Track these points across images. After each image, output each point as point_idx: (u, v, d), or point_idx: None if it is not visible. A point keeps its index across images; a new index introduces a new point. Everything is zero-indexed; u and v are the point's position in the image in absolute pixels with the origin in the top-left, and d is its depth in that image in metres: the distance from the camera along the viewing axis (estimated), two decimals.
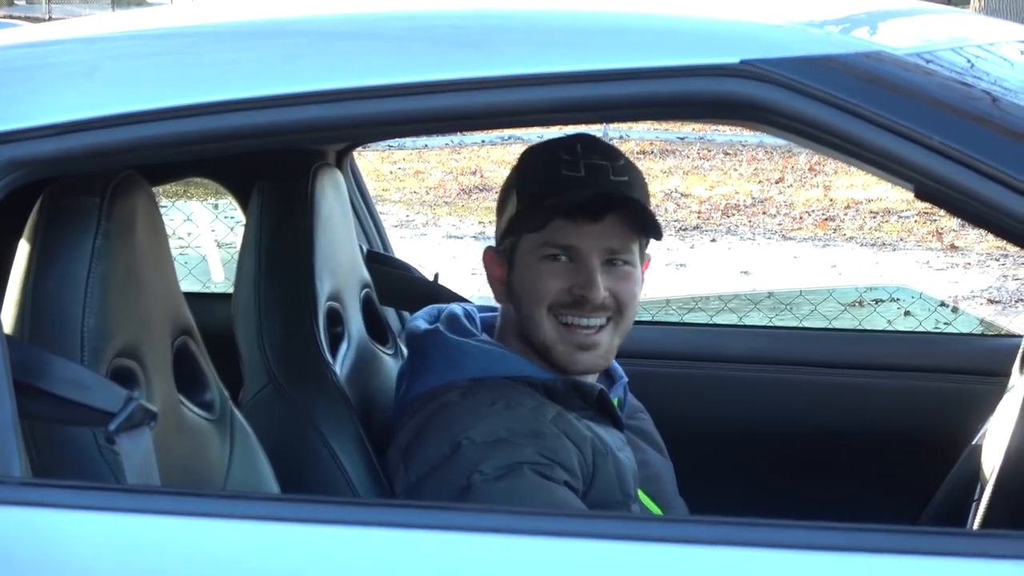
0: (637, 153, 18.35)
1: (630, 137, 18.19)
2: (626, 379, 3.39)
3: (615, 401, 3.32)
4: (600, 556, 2.55)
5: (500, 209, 3.35)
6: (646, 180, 3.29)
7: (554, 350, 3.19)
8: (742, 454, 3.72)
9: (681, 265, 13.39)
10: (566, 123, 3.47)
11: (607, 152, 3.37)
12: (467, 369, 3.25)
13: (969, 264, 12.67)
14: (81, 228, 2.90)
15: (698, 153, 18.40)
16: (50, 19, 32.85)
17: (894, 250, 13.95)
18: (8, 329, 2.67)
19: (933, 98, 2.56)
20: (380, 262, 4.13)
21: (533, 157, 3.34)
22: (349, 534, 2.64)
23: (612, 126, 17.08)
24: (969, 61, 2.74)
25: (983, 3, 19.79)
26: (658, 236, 3.30)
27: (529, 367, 3.22)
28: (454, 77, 2.74)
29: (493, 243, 3.46)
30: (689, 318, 9.07)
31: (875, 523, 2.60)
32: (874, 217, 15.19)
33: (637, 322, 3.82)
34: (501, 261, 3.31)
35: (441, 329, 3.39)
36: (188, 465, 3.00)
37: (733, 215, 16.09)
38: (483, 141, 21.20)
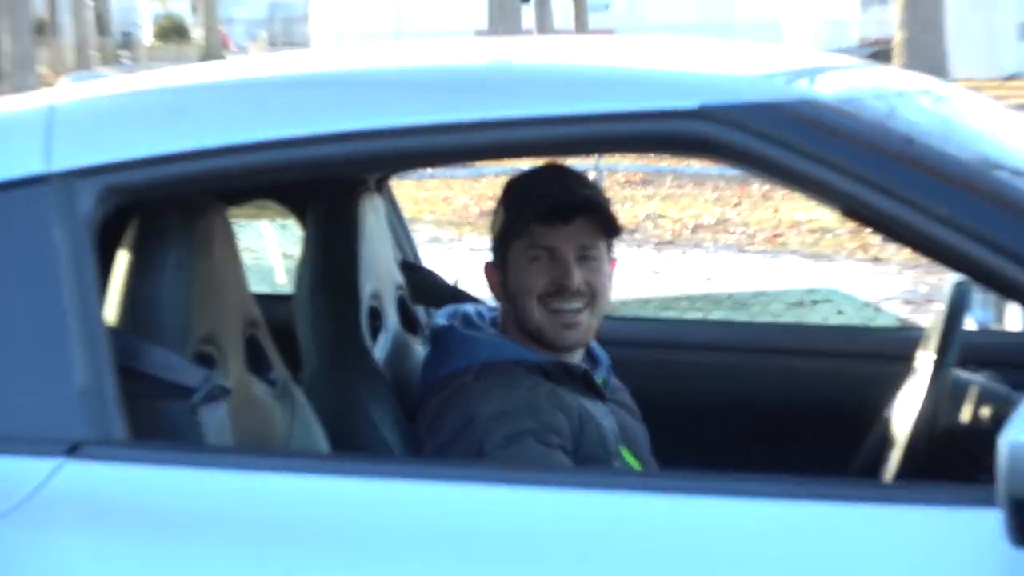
0: (623, 183, 18.39)
1: (617, 169, 18.21)
2: (609, 362, 3.41)
3: (600, 380, 3.35)
4: (587, 502, 2.60)
5: (493, 227, 3.40)
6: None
7: (545, 332, 3.23)
8: (704, 424, 3.74)
9: (656, 272, 13.44)
10: (561, 155, 3.51)
11: (573, 173, 3.48)
12: (477, 356, 3.28)
13: (889, 272, 12.74)
14: (169, 243, 2.92)
15: (672, 182, 18.47)
16: None
17: (829, 261, 14.00)
18: (112, 323, 2.69)
19: (858, 137, 2.57)
20: (412, 270, 4.14)
21: (516, 181, 3.39)
22: (386, 485, 2.67)
23: (603, 160, 17.10)
24: (889, 107, 2.75)
25: (903, 60, 19.78)
26: (618, 233, 3.37)
27: (527, 352, 3.25)
28: (468, 119, 2.78)
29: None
30: (663, 314, 9.04)
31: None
32: (813, 234, 15.21)
33: (620, 317, 3.81)
34: (497, 270, 3.35)
35: (456, 326, 3.44)
36: (256, 431, 3.01)
37: (699, 232, 16.15)
38: (497, 173, 21.22)
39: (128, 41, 57.95)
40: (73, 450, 2.51)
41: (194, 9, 60.97)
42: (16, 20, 32.16)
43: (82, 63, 43.73)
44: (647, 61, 3.08)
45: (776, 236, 15.62)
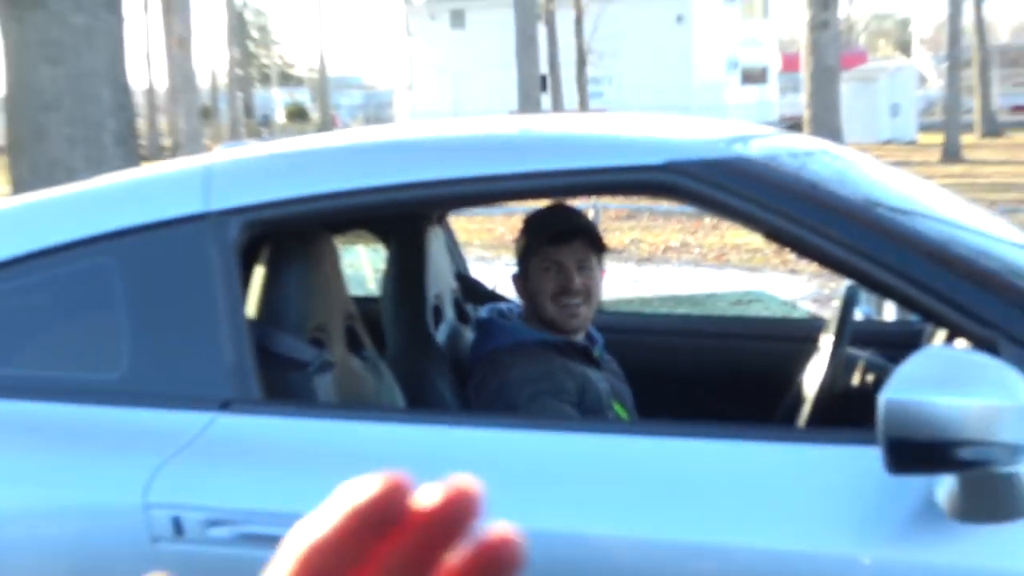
0: (614, 217, 18.34)
1: (609, 207, 18.18)
2: (602, 342, 3.40)
3: (596, 354, 3.36)
4: (588, 441, 2.67)
5: (517, 249, 3.40)
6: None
7: (556, 321, 3.24)
8: (671, 387, 3.73)
9: (637, 281, 13.46)
10: (569, 197, 3.52)
11: (572, 209, 3.55)
12: (509, 339, 3.29)
13: (801, 280, 12.75)
14: (292, 261, 2.93)
15: (648, 217, 18.38)
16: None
17: (760, 272, 13.98)
18: (251, 316, 2.71)
19: (777, 183, 2.58)
20: (463, 279, 4.14)
21: (532, 216, 3.42)
22: (446, 430, 2.75)
23: (599, 200, 17.06)
24: (800, 162, 2.76)
25: (809, 130, 19.72)
26: (605, 250, 3.40)
27: (543, 335, 3.25)
28: (499, 172, 2.85)
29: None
30: (642, 310, 9.04)
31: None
32: (748, 253, 15.15)
33: (611, 311, 3.79)
34: (520, 279, 3.37)
35: (494, 317, 3.48)
36: (354, 393, 3.02)
37: (668, 253, 16.12)
38: (524, 210, 21.30)
39: (266, 121, 58.41)
40: (224, 406, 2.54)
41: (313, 98, 61.85)
42: (188, 106, 32.26)
43: (234, 136, 44.18)
44: (629, 130, 3.10)
45: (722, 255, 15.60)
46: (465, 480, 0.55)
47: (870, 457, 2.13)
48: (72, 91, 7.32)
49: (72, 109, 7.31)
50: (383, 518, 0.54)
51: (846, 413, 2.94)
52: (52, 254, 2.66)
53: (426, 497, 0.54)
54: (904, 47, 60.55)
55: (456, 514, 0.54)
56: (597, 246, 3.31)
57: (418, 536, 0.54)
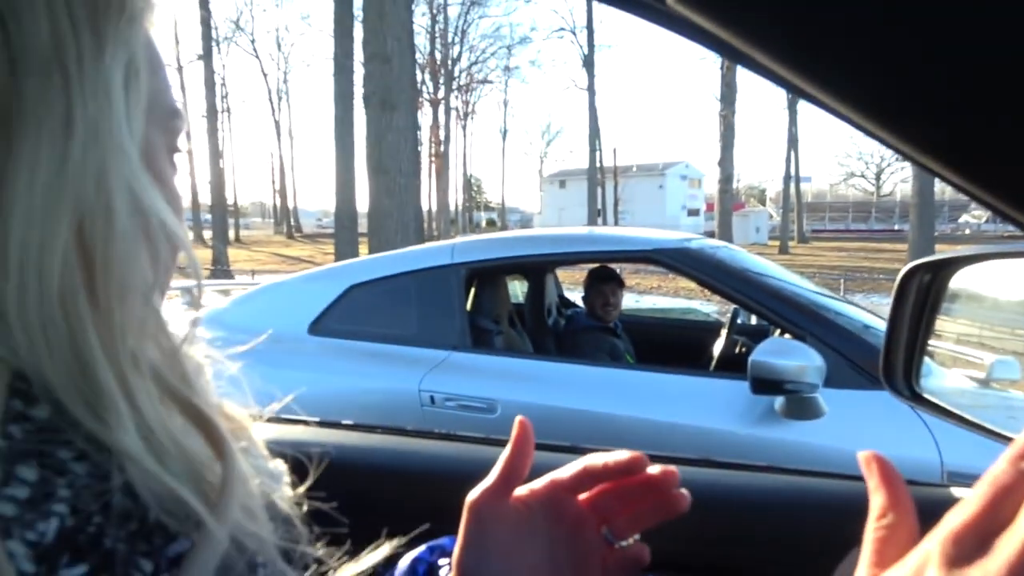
0: (629, 272, 17.95)
1: (625, 268, 17.97)
2: (620, 326, 3.23)
3: (618, 331, 3.16)
4: (615, 373, 2.42)
5: (584, 284, 3.21)
6: (625, 281, 3.19)
7: (603, 317, 3.08)
8: (651, 350, 3.53)
9: (637, 300, 13.17)
10: (610, 262, 3.37)
11: (610, 268, 3.24)
12: (583, 324, 3.12)
13: (713, 303, 12.34)
14: (487, 286, 2.89)
15: (643, 270, 17.98)
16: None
17: (695, 299, 13.58)
18: (468, 309, 2.66)
19: (705, 260, 2.47)
20: (560, 296, 4.01)
21: (593, 270, 3.20)
22: (563, 365, 2.60)
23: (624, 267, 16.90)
24: (714, 251, 2.61)
25: (718, 236, 19.15)
26: (623, 286, 3.17)
27: (596, 323, 3.09)
28: (577, 251, 2.71)
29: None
30: (639, 313, 8.96)
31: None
32: (690, 290, 14.74)
33: (624, 313, 3.65)
34: (586, 298, 3.16)
35: (577, 313, 3.26)
36: (510, 346, 2.93)
37: (652, 288, 15.73)
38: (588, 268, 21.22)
39: (477, 226, 58.28)
40: (454, 348, 2.48)
41: (498, 216, 61.07)
42: (444, 218, 32.67)
43: (463, 232, 44.62)
44: (636, 234, 2.93)
45: (677, 291, 15.19)
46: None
47: (744, 386, 2.05)
48: (398, 211, 7.47)
49: (397, 218, 7.47)
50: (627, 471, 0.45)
51: (732, 365, 2.84)
52: (398, 277, 2.61)
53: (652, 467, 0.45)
54: (763, 200, 58.89)
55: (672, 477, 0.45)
56: (620, 284, 3.18)
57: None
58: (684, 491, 0.44)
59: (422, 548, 0.51)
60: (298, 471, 0.47)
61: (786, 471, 0.97)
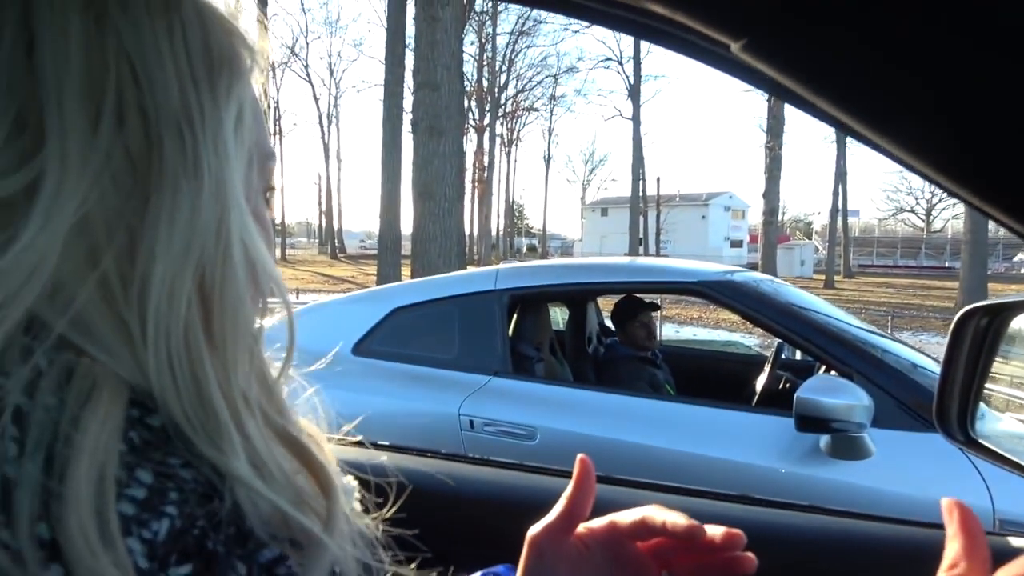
0: (669, 302, 17.74)
1: (665, 299, 17.76)
2: (660, 355, 3.20)
3: (658, 361, 3.10)
4: (654, 403, 2.42)
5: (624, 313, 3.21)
6: (668, 310, 3.16)
7: (644, 345, 3.03)
8: (691, 381, 3.49)
9: (678, 331, 13.02)
10: (653, 294, 3.35)
11: (645, 299, 3.21)
12: (622, 352, 3.07)
13: (755, 336, 12.15)
14: (529, 313, 2.89)
15: (685, 302, 17.76)
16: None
17: (737, 332, 13.37)
18: (510, 335, 2.67)
19: (749, 292, 2.44)
20: (600, 325, 3.94)
21: (628, 300, 3.15)
22: (606, 395, 2.59)
23: (665, 298, 16.71)
24: (758, 284, 2.58)
25: (761, 269, 18.87)
26: (659, 312, 3.12)
27: (635, 352, 3.04)
28: (617, 280, 2.73)
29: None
30: (681, 344, 8.88)
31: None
32: (732, 322, 14.52)
33: (665, 343, 3.59)
34: (624, 331, 3.12)
35: (615, 342, 3.19)
36: (551, 373, 2.91)
37: (693, 320, 15.54)
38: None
39: (518, 252, 58.42)
40: (495, 373, 2.48)
41: (539, 242, 61.00)
42: (485, 243, 32.87)
43: (506, 258, 44.76)
44: (681, 266, 2.90)
45: (719, 323, 14.98)
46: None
47: (787, 423, 2.02)
48: (441, 235, 7.55)
49: (440, 243, 7.54)
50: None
51: (777, 401, 2.79)
52: (442, 301, 2.63)
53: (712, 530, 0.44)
54: (809, 233, 57.82)
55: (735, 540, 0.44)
56: (656, 308, 3.13)
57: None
58: (751, 555, 0.44)
59: (477, 574, 0.52)
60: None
61: (831, 512, 0.95)
